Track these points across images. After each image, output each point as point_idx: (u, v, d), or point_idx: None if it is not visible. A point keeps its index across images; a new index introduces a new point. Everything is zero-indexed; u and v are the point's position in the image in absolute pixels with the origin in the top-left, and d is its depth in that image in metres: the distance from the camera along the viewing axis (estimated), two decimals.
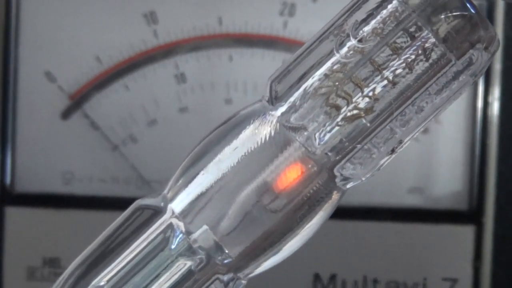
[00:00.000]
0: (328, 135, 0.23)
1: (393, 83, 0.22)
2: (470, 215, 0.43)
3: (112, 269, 0.24)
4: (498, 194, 0.43)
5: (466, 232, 0.43)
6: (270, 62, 0.44)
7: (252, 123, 0.23)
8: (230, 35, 0.44)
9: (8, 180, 0.44)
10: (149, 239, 0.24)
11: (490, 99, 0.43)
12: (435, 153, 0.44)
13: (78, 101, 0.44)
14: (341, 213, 0.44)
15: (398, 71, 0.22)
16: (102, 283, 0.24)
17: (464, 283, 0.43)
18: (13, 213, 0.43)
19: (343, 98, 0.22)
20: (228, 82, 0.44)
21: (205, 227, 0.23)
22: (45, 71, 0.44)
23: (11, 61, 0.44)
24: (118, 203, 0.43)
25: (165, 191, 0.24)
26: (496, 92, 0.43)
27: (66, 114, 0.44)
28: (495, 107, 0.43)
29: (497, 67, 0.43)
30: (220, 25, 0.44)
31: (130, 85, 0.44)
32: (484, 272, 0.43)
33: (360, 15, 0.23)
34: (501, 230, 0.43)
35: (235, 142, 0.23)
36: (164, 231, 0.24)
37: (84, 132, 0.44)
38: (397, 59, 0.22)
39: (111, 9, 0.44)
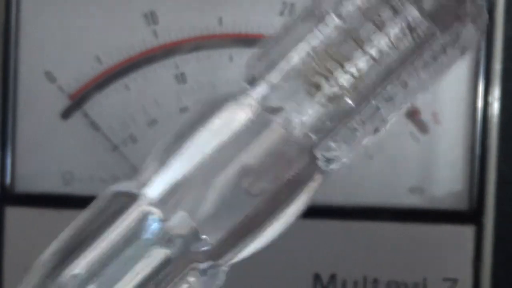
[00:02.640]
0: (308, 115, 0.22)
1: (376, 59, 0.21)
2: (470, 215, 0.43)
3: (88, 258, 0.23)
4: (498, 194, 0.43)
5: (466, 232, 0.43)
6: None
7: (230, 105, 0.23)
8: (230, 35, 0.44)
9: (8, 180, 0.44)
10: (124, 227, 0.23)
11: (490, 99, 0.43)
12: (435, 153, 0.44)
13: (78, 101, 0.44)
14: (341, 213, 0.44)
15: (381, 47, 0.21)
16: (77, 271, 0.23)
17: (464, 283, 0.43)
18: (13, 213, 0.43)
19: (324, 76, 0.22)
20: (228, 82, 0.44)
21: (182, 212, 0.22)
22: (45, 71, 0.44)
23: (11, 61, 0.44)
24: None
25: (140, 176, 0.23)
26: (496, 92, 0.43)
27: (66, 114, 0.44)
28: (495, 107, 0.43)
29: (497, 67, 0.43)
30: (220, 25, 0.44)
31: (130, 85, 0.44)
32: (484, 272, 0.43)
33: None
34: (501, 230, 0.43)
35: (213, 124, 0.23)
36: (139, 219, 0.23)
37: (84, 132, 0.44)
38: (380, 34, 0.21)
39: (111, 9, 0.44)
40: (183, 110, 0.44)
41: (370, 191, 0.43)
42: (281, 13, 0.44)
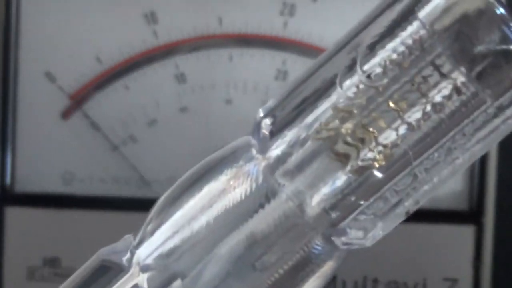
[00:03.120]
0: (328, 190, 0.19)
1: (414, 127, 0.18)
2: (470, 215, 0.43)
3: None
4: (498, 194, 0.43)
5: (466, 232, 0.43)
6: (270, 62, 0.44)
7: (235, 166, 0.20)
8: (230, 35, 0.44)
9: (8, 180, 0.44)
10: None
11: None
12: None
13: (78, 101, 0.44)
14: None
15: (420, 114, 0.18)
16: None
17: (464, 283, 0.43)
18: (13, 213, 0.43)
19: (352, 145, 0.18)
20: (228, 82, 0.44)
21: (178, 283, 0.19)
22: (45, 71, 0.44)
23: (11, 61, 0.44)
24: (118, 203, 0.44)
25: (133, 240, 0.21)
26: None
27: (66, 114, 0.44)
28: None
29: None
30: (220, 25, 0.44)
31: (130, 85, 0.44)
32: (484, 272, 0.43)
33: (372, 37, 0.18)
34: (501, 230, 0.43)
35: (215, 186, 0.20)
36: None
37: (84, 132, 0.44)
38: (420, 99, 0.18)
39: (111, 9, 0.44)
40: (183, 110, 0.44)
41: None
42: (281, 13, 0.44)
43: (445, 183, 0.20)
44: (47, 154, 0.44)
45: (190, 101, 0.44)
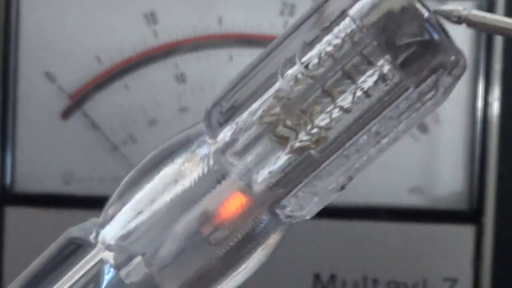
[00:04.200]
0: (271, 168, 0.21)
1: (347, 111, 0.20)
2: (470, 215, 0.43)
3: None
4: (498, 194, 0.43)
5: (466, 232, 0.43)
6: None
7: (189, 151, 0.22)
8: (230, 35, 0.44)
9: (8, 180, 0.44)
10: (79, 276, 0.22)
11: (490, 99, 0.43)
12: (435, 153, 0.44)
13: (78, 101, 0.44)
14: (341, 213, 0.44)
15: (352, 99, 0.20)
16: None
17: (464, 283, 0.43)
18: (13, 213, 0.43)
19: (291, 129, 0.20)
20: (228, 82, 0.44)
21: (138, 259, 0.21)
22: (45, 71, 0.44)
23: (11, 61, 0.44)
24: None
25: (98, 220, 0.23)
26: (496, 92, 0.43)
27: (66, 114, 0.44)
28: (495, 107, 0.43)
29: (497, 67, 0.43)
30: (220, 25, 0.44)
31: (130, 85, 0.44)
32: (484, 272, 0.43)
33: (309, 34, 0.21)
34: (501, 230, 0.43)
35: (171, 170, 0.22)
36: (94, 267, 0.22)
37: (84, 132, 0.44)
38: (351, 86, 0.20)
39: (111, 9, 0.44)
40: (183, 110, 0.44)
41: (370, 191, 0.43)
42: (281, 13, 0.44)
43: (374, 160, 0.21)
44: (47, 154, 0.44)
45: (190, 101, 0.44)
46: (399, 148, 0.45)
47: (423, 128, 0.44)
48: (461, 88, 0.44)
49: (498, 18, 0.21)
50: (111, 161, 0.44)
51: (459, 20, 0.21)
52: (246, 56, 0.44)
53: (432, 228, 0.43)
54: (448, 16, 0.21)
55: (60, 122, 0.44)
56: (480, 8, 0.43)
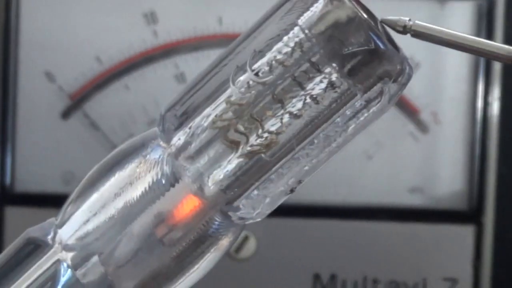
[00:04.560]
0: (223, 172, 0.21)
1: (296, 116, 0.21)
2: (470, 215, 0.43)
3: None
4: (498, 194, 0.43)
5: (466, 232, 0.43)
6: None
7: (143, 155, 0.22)
8: (230, 35, 0.44)
9: (8, 180, 0.44)
10: (37, 276, 0.22)
11: (490, 99, 0.43)
12: (435, 153, 0.44)
13: (78, 101, 0.44)
14: (341, 213, 0.44)
15: (301, 105, 0.21)
16: None
17: (464, 283, 0.43)
18: (13, 213, 0.43)
19: (242, 133, 0.21)
20: None
21: (95, 258, 0.22)
22: (45, 71, 0.44)
23: (11, 61, 0.44)
24: None
25: (56, 220, 0.23)
26: (496, 92, 0.43)
27: (66, 114, 0.44)
28: (495, 107, 0.43)
29: (497, 67, 0.43)
30: (220, 25, 0.44)
31: (130, 85, 0.44)
32: (484, 272, 0.43)
33: (259, 43, 0.21)
34: (501, 230, 0.43)
35: (126, 173, 0.22)
36: (51, 266, 0.22)
37: (84, 132, 0.44)
38: (300, 92, 0.21)
39: (111, 9, 0.44)
40: None
41: (370, 191, 0.43)
42: None
43: (324, 163, 0.22)
44: (47, 154, 0.44)
45: None
46: (399, 148, 0.45)
47: (423, 128, 0.44)
48: (461, 87, 0.44)
49: (441, 29, 0.21)
50: None
51: (404, 30, 0.21)
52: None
53: (432, 228, 0.43)
54: (394, 26, 0.21)
55: (60, 122, 0.44)
56: (480, 8, 0.43)
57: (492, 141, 0.43)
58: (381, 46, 0.20)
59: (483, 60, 0.43)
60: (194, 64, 0.44)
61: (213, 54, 0.44)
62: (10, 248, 0.23)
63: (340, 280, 0.43)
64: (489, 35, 0.43)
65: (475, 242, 0.43)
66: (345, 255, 0.43)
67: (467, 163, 0.44)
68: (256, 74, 0.21)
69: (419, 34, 0.21)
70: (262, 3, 0.44)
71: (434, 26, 0.21)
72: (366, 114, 0.21)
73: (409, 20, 0.21)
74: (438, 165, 0.44)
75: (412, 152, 0.44)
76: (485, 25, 0.43)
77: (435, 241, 0.43)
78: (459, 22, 0.44)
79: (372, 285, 0.43)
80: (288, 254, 0.43)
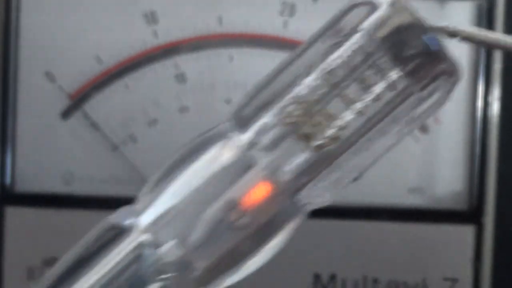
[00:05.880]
0: (293, 162, 0.24)
1: (359, 113, 0.23)
2: (470, 215, 0.43)
3: (84, 287, 0.24)
4: (498, 194, 0.43)
5: (466, 232, 0.43)
6: (270, 62, 0.44)
7: (219, 144, 0.24)
8: (230, 35, 0.44)
9: (8, 180, 0.44)
10: (120, 257, 0.24)
11: (490, 99, 0.43)
12: (435, 153, 0.44)
13: (78, 101, 0.44)
14: (341, 213, 0.44)
15: (364, 103, 0.23)
16: None
17: (464, 283, 0.43)
18: (13, 213, 0.43)
19: (314, 128, 0.23)
20: (228, 82, 0.44)
21: (173, 241, 0.24)
22: (45, 71, 0.44)
23: (11, 61, 0.44)
24: (118, 203, 0.43)
25: (135, 206, 0.25)
26: (496, 92, 0.43)
27: (66, 114, 0.44)
28: (495, 107, 0.43)
29: (497, 67, 0.43)
30: (220, 25, 0.44)
31: (130, 85, 0.44)
32: (484, 272, 0.43)
33: (329, 43, 0.24)
34: (501, 230, 0.43)
35: (202, 161, 0.24)
36: (134, 249, 0.24)
37: (84, 132, 0.44)
38: (363, 91, 0.23)
39: (111, 9, 0.44)
40: (183, 110, 0.44)
41: (370, 191, 0.44)
42: (281, 13, 0.44)
43: (380, 158, 0.25)
44: (47, 154, 0.44)
45: (190, 101, 0.44)
46: (399, 148, 0.45)
47: (423, 128, 0.44)
48: (461, 87, 0.44)
49: (486, 32, 0.24)
50: (111, 161, 0.44)
51: (450, 34, 0.24)
52: (246, 56, 0.44)
53: (432, 228, 0.43)
54: (442, 31, 0.24)
55: (60, 122, 0.44)
56: (480, 8, 0.43)
57: (492, 141, 0.43)
58: (439, 47, 0.23)
59: (483, 60, 0.43)
60: (194, 64, 0.44)
61: (213, 54, 0.44)
62: (90, 235, 0.25)
63: (340, 280, 0.43)
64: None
65: (475, 242, 0.43)
66: (345, 255, 0.43)
67: (467, 163, 0.44)
68: (324, 74, 0.23)
69: (466, 38, 0.24)
70: (262, 3, 0.44)
71: (479, 30, 0.24)
72: (422, 111, 0.24)
73: (455, 26, 0.24)
74: (438, 165, 0.44)
75: (412, 152, 0.44)
76: (485, 25, 0.43)
77: (435, 241, 0.43)
78: (459, 22, 0.44)
79: (372, 285, 0.43)
80: (288, 254, 0.43)
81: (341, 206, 0.43)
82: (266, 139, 0.24)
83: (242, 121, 0.24)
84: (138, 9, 0.44)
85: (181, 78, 0.44)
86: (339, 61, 0.23)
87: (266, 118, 0.24)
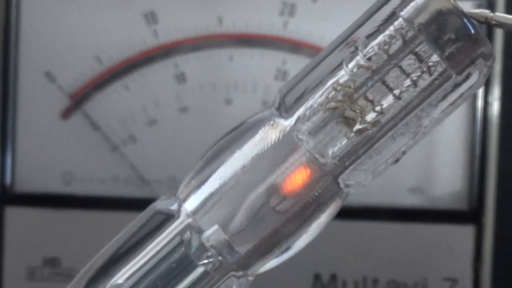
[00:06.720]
0: (337, 146, 0.24)
1: (399, 98, 0.24)
2: (470, 215, 0.43)
3: (130, 269, 0.25)
4: (498, 194, 0.43)
5: (466, 232, 0.43)
6: (270, 62, 0.44)
7: (262, 130, 0.25)
8: (230, 35, 0.44)
9: (8, 180, 0.44)
10: (166, 241, 0.25)
11: (490, 99, 0.43)
12: (435, 153, 0.44)
13: (78, 101, 0.44)
14: (341, 213, 0.44)
15: (402, 88, 0.24)
16: (120, 281, 0.25)
17: (464, 283, 0.43)
18: (13, 213, 0.43)
19: (357, 113, 0.24)
20: (228, 82, 0.44)
21: (216, 226, 0.25)
22: (45, 71, 0.44)
23: (11, 61, 0.44)
24: (118, 203, 0.44)
25: (178, 193, 0.26)
26: (496, 92, 0.43)
27: (66, 114, 0.44)
28: (495, 107, 0.43)
29: (497, 67, 0.43)
30: (220, 25, 0.44)
31: (130, 85, 0.44)
32: (484, 272, 0.43)
33: (368, 30, 0.24)
34: (501, 230, 0.43)
35: (245, 147, 0.25)
36: (179, 233, 0.25)
37: (84, 132, 0.44)
38: (402, 77, 0.24)
39: (111, 9, 0.44)
40: (183, 110, 0.44)
41: (370, 191, 0.44)
42: (281, 13, 0.44)
43: (414, 145, 0.25)
44: (47, 154, 0.44)
45: (190, 101, 0.44)
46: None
47: None
48: None
49: None
50: (111, 161, 0.44)
51: (486, 20, 0.25)
52: (246, 56, 0.44)
53: (432, 228, 0.43)
54: (477, 17, 0.24)
55: (60, 122, 0.44)
56: (479, 7, 0.43)
57: (492, 141, 0.43)
58: (476, 32, 0.23)
59: None
60: (194, 64, 0.44)
61: (213, 54, 0.44)
62: (138, 220, 0.26)
63: (340, 280, 0.43)
64: (489, 35, 0.43)
65: (475, 242, 0.43)
66: (345, 255, 0.43)
67: (467, 163, 0.44)
68: (366, 60, 0.24)
69: (500, 25, 0.25)
70: (262, 3, 0.44)
71: None
72: (458, 95, 0.24)
73: (490, 11, 0.25)
74: (438, 165, 0.44)
75: (412, 152, 0.44)
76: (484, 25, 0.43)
77: (435, 241, 0.43)
78: None
79: (372, 285, 0.43)
80: None
81: (341, 206, 0.43)
82: (310, 123, 0.24)
83: (286, 106, 0.25)
84: (138, 9, 0.44)
85: (181, 78, 0.44)
86: (379, 47, 0.24)
87: (310, 103, 0.24)
